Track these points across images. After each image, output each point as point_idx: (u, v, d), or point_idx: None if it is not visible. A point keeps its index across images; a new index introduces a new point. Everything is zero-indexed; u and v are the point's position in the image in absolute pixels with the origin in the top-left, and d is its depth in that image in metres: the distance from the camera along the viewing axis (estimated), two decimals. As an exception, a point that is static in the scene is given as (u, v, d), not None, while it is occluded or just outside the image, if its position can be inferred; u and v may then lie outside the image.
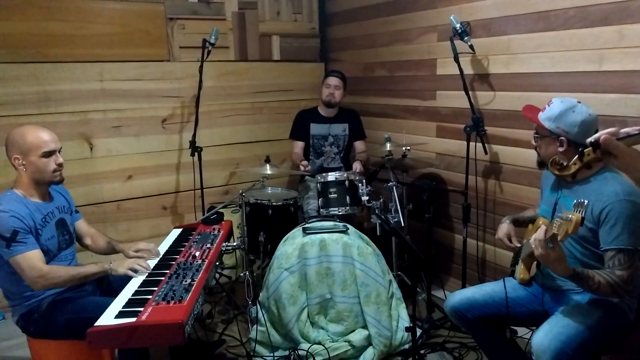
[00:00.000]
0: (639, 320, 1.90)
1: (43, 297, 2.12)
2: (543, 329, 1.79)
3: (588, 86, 2.42)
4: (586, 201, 1.54)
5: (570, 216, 1.54)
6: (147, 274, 2.16)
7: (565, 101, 1.92)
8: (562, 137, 1.89)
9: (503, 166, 2.97)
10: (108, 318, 1.81)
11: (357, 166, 3.51)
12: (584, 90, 2.43)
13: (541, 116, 1.95)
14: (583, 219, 1.53)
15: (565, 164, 1.41)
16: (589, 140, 1.31)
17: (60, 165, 2.16)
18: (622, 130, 1.29)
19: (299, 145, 3.73)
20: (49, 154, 2.11)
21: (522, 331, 2.49)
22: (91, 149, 3.43)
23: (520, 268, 2.12)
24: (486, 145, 2.94)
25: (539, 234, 1.69)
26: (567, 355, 1.70)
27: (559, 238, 1.60)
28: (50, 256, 2.14)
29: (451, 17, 2.86)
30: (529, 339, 2.34)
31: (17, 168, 2.11)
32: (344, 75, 3.70)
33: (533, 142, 2.04)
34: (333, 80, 3.62)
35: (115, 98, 3.46)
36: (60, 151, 2.18)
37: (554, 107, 1.92)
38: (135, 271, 2.16)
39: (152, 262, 2.31)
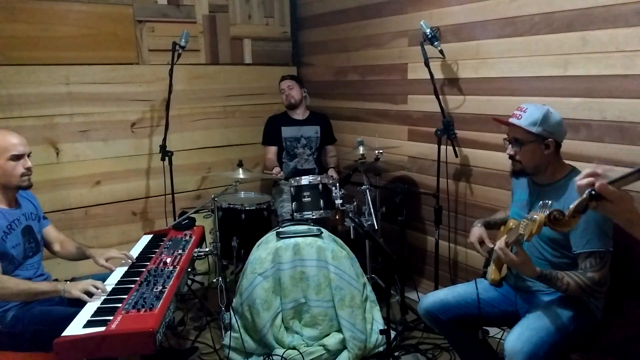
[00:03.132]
0: (606, 318, 1.95)
1: (7, 307, 2.05)
2: (515, 332, 1.82)
3: (554, 90, 2.48)
4: (549, 202, 1.58)
5: (535, 217, 1.58)
6: (117, 281, 2.11)
7: (539, 105, 1.94)
8: (549, 139, 1.90)
9: (473, 169, 3.02)
10: (76, 328, 1.76)
11: (332, 174, 3.57)
12: (550, 95, 2.49)
13: (522, 122, 1.91)
14: (547, 218, 1.57)
15: (564, 219, 1.33)
16: (587, 192, 1.24)
17: (28, 169, 2.12)
18: (603, 170, 1.24)
19: (271, 151, 3.72)
20: (16, 158, 2.08)
21: (493, 331, 2.53)
22: (57, 154, 3.34)
23: (491, 269, 2.16)
24: (456, 148, 2.98)
25: (500, 243, 1.73)
26: (538, 357, 1.74)
27: (525, 238, 1.64)
28: (15, 264, 2.08)
29: (421, 23, 2.90)
30: (500, 339, 2.40)
31: None
32: (294, 75, 3.89)
33: (510, 152, 2.00)
34: (284, 83, 3.74)
35: (83, 102, 3.38)
36: (30, 156, 2.15)
37: (533, 112, 1.91)
38: (90, 295, 2.01)
39: (122, 270, 2.26)
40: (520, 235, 1.66)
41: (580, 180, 1.25)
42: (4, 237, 2.03)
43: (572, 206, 1.28)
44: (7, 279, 2.01)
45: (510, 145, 2.00)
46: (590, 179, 1.23)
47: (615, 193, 1.22)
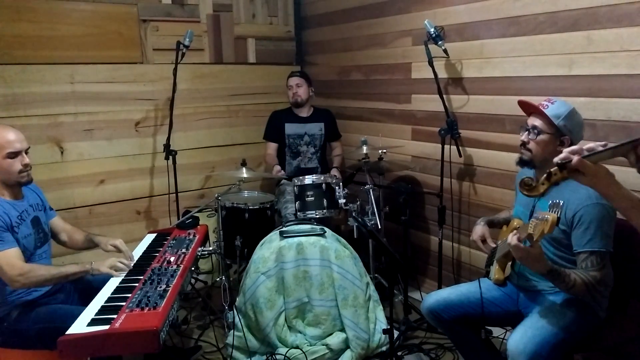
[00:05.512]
0: (609, 318, 1.95)
1: (13, 305, 2.06)
2: (518, 332, 1.81)
3: (558, 90, 2.47)
4: (561, 201, 1.58)
5: (546, 216, 1.57)
6: (120, 280, 2.12)
7: (567, 102, 1.94)
8: (566, 137, 1.90)
9: (477, 168, 3.01)
10: (80, 326, 1.76)
11: (335, 174, 3.53)
12: (554, 94, 2.46)
13: (548, 112, 1.91)
14: (559, 219, 1.56)
15: (534, 185, 1.46)
16: (555, 160, 1.38)
17: (26, 166, 2.11)
18: (586, 147, 1.36)
19: (272, 147, 3.70)
20: (13, 155, 2.06)
21: (497, 331, 2.52)
22: (62, 152, 3.35)
23: (495, 268, 2.16)
24: (460, 148, 2.98)
25: (511, 239, 1.72)
26: (542, 357, 1.73)
27: (534, 238, 1.63)
28: (26, 255, 2.09)
29: (425, 22, 2.90)
30: (503, 339, 2.40)
31: None
32: (304, 72, 3.80)
33: (524, 138, 1.98)
34: (293, 80, 3.65)
35: (87, 101, 3.39)
36: (27, 152, 2.13)
37: (560, 107, 1.91)
38: (118, 270, 2.14)
39: (128, 267, 2.28)
40: (529, 235, 1.65)
41: (559, 155, 1.38)
42: (15, 227, 2.05)
43: (544, 175, 1.44)
44: (37, 267, 2.04)
45: (526, 132, 1.98)
46: (567, 155, 1.37)
47: (588, 167, 1.34)
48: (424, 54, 2.94)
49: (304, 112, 3.72)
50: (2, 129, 2.09)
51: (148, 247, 2.55)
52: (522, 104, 2.05)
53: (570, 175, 1.38)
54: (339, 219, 3.17)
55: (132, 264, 2.25)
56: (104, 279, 2.12)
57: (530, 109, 2.01)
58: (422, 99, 3.30)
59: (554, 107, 1.92)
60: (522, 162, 2.03)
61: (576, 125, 1.92)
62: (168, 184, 3.48)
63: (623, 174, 1.39)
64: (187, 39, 3.33)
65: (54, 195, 3.27)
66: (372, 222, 2.95)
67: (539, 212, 1.67)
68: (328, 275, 2.61)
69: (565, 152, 1.37)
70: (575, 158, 1.33)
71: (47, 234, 2.28)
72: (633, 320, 2.00)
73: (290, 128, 3.68)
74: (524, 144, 1.99)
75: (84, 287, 2.26)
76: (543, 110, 1.92)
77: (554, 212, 1.55)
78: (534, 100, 2.02)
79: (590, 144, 1.37)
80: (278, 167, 3.50)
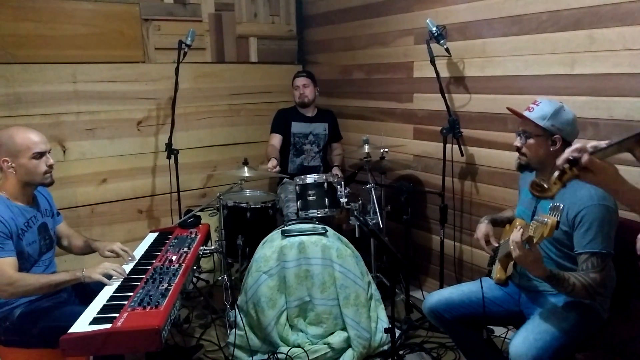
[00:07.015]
0: (612, 317, 1.94)
1: (16, 305, 2.06)
2: (520, 336, 1.81)
3: (561, 89, 2.47)
4: (562, 205, 1.57)
5: (546, 220, 1.56)
6: (121, 280, 2.12)
7: (553, 101, 1.94)
8: (556, 136, 1.89)
9: (479, 168, 3.01)
10: (82, 325, 1.77)
11: (337, 172, 3.55)
12: (556, 93, 2.48)
13: (532, 115, 1.92)
14: (558, 222, 1.56)
15: (546, 186, 1.41)
16: (567, 158, 1.32)
17: (51, 166, 2.13)
18: (590, 145, 1.32)
19: (276, 138, 3.65)
20: (39, 156, 2.08)
21: (499, 330, 2.52)
22: (64, 152, 3.36)
23: (497, 268, 2.15)
24: (462, 147, 2.97)
25: (516, 235, 1.71)
26: None
27: (534, 241, 1.63)
28: (30, 261, 2.10)
29: (427, 21, 2.89)
30: (505, 338, 2.40)
31: (6, 171, 2.05)
32: (310, 72, 3.76)
33: (517, 144, 2.00)
34: (300, 81, 3.65)
35: (89, 100, 3.40)
36: (50, 152, 2.14)
37: (544, 107, 1.91)
38: (109, 277, 2.10)
39: (128, 267, 2.27)
40: (530, 237, 1.65)
41: (563, 156, 1.34)
42: (20, 234, 2.05)
43: (554, 174, 1.37)
44: (27, 276, 2.02)
45: (518, 137, 2.00)
46: (576, 154, 1.32)
47: (597, 164, 1.31)
48: (425, 53, 2.94)
49: (309, 112, 3.72)
50: (24, 130, 2.09)
51: (150, 246, 2.56)
52: (509, 110, 2.07)
53: (581, 172, 1.33)
54: (341, 218, 3.17)
55: (126, 272, 2.16)
56: (101, 283, 2.09)
57: (515, 116, 2.02)
58: (424, 98, 3.30)
59: (539, 109, 1.92)
60: (520, 167, 2.05)
61: (564, 123, 1.90)
62: (170, 183, 3.49)
63: (626, 174, 1.38)
64: (189, 38, 3.33)
65: (57, 195, 3.24)
66: (374, 221, 2.94)
67: (540, 214, 1.66)
68: (330, 274, 2.61)
69: (570, 150, 1.33)
70: (585, 156, 1.30)
71: (53, 240, 2.29)
72: (635, 319, 2.00)
73: (296, 127, 3.68)
74: (518, 149, 2.01)
75: (85, 287, 2.26)
76: (528, 114, 1.93)
77: (555, 216, 1.55)
78: (532, 99, 2.02)
79: (593, 142, 1.34)
80: (275, 162, 3.32)
